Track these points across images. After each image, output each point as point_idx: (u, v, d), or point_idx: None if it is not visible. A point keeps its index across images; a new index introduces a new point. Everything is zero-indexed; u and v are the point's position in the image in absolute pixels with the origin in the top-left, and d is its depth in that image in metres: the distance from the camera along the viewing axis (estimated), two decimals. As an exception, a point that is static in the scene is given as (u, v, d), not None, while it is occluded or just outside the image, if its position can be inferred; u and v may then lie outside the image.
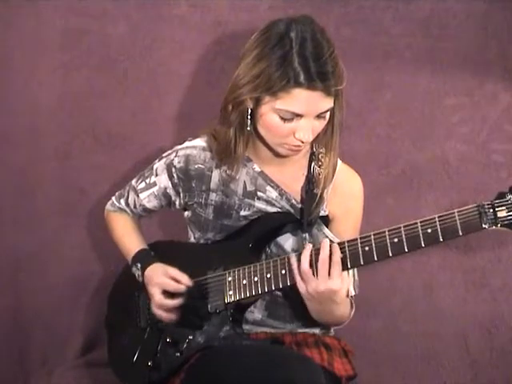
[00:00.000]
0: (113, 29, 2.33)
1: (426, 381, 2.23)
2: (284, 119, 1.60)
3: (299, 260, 1.59)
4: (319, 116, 1.61)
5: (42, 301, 2.38)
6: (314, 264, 1.58)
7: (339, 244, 1.59)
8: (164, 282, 1.76)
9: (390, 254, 1.54)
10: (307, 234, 1.74)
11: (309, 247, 1.60)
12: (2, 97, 2.36)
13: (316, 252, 1.59)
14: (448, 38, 2.20)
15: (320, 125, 1.64)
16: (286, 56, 1.55)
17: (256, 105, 1.62)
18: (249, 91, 1.60)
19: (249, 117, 1.65)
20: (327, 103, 1.59)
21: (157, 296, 1.76)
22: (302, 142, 1.63)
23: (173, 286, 1.75)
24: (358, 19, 2.22)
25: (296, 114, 1.58)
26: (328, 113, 1.63)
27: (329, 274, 1.56)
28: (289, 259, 1.62)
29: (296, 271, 1.60)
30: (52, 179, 2.38)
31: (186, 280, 1.75)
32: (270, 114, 1.61)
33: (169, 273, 1.76)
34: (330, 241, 1.60)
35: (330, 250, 1.57)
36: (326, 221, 1.78)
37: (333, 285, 1.56)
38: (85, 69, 2.35)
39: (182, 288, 1.74)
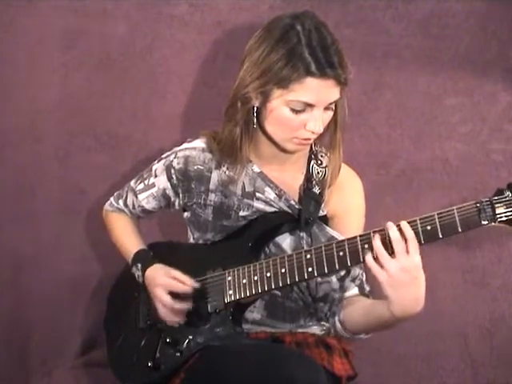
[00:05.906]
0: (113, 29, 2.33)
1: (426, 381, 2.22)
2: (295, 111, 1.60)
3: (371, 249, 1.51)
4: (327, 108, 1.62)
5: (41, 301, 2.38)
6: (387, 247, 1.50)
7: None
8: (169, 283, 1.74)
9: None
10: (305, 234, 1.74)
11: (377, 237, 1.52)
12: (2, 97, 2.36)
13: (382, 236, 1.51)
14: (448, 38, 2.19)
15: (327, 117, 1.65)
16: (295, 48, 1.56)
17: (264, 101, 1.62)
18: (259, 86, 1.60)
19: (255, 114, 1.66)
20: (337, 93, 1.61)
21: (164, 297, 1.74)
22: (313, 133, 1.64)
23: (179, 288, 1.73)
24: (358, 19, 2.22)
25: (308, 104, 1.59)
26: (333, 105, 1.64)
27: (407, 252, 1.49)
28: (364, 257, 1.52)
29: (372, 262, 1.50)
30: (52, 179, 2.39)
31: (190, 281, 1.73)
32: (280, 108, 1.61)
33: (172, 274, 1.75)
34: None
35: (400, 229, 1.50)
36: (325, 220, 1.77)
37: (414, 260, 1.48)
38: (85, 69, 2.35)
39: (188, 289, 1.73)
